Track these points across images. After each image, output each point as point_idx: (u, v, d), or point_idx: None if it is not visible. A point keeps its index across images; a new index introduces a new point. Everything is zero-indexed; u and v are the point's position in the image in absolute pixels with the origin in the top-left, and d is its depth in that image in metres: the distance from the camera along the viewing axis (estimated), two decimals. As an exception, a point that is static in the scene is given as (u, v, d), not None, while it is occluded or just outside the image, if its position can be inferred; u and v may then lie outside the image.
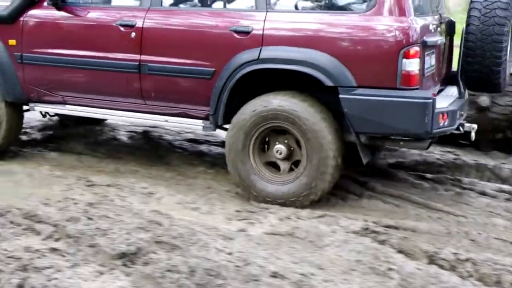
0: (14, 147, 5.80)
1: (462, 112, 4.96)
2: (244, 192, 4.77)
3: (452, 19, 5.52)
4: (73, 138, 6.31)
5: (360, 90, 4.34)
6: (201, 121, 4.91)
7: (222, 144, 5.64)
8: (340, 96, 4.37)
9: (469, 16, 4.84)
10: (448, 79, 5.36)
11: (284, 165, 4.70)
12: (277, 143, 4.67)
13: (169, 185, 5.06)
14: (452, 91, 5.18)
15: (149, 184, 4.98)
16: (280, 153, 4.65)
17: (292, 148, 4.65)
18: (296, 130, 4.52)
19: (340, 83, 4.36)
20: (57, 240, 3.75)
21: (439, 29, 4.82)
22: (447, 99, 4.85)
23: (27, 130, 6.46)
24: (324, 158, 4.46)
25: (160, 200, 4.68)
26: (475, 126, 5.02)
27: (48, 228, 3.88)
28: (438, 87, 4.96)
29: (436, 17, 4.92)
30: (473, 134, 5.00)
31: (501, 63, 4.76)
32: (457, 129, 4.88)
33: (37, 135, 6.49)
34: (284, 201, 4.58)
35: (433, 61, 4.68)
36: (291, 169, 4.68)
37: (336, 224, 4.17)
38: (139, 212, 4.26)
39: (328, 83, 4.38)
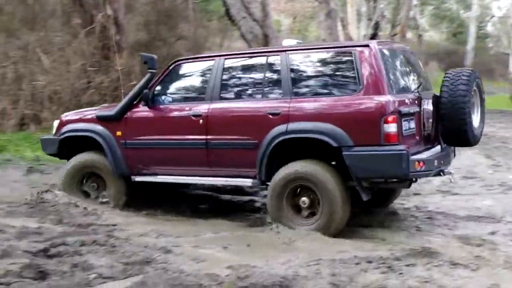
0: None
1: (442, 162, 6.64)
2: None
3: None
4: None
5: (356, 148, 6.16)
6: (251, 179, 6.82)
7: None
8: (343, 153, 6.19)
9: (441, 91, 6.67)
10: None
11: (306, 212, 6.49)
12: (303, 195, 6.48)
13: None
14: (438, 147, 6.90)
15: None
16: (305, 203, 6.46)
17: (313, 198, 6.43)
18: (313, 185, 6.35)
19: (342, 144, 6.20)
20: None
21: (416, 102, 6.57)
22: (429, 152, 6.56)
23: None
24: (335, 202, 6.24)
25: None
26: (452, 171, 6.68)
27: None
28: (422, 144, 6.62)
29: (415, 94, 6.66)
30: (451, 179, 6.66)
31: (466, 124, 6.48)
32: (438, 174, 6.57)
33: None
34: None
35: (412, 125, 6.40)
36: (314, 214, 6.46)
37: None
38: None
39: (334, 144, 6.22)
